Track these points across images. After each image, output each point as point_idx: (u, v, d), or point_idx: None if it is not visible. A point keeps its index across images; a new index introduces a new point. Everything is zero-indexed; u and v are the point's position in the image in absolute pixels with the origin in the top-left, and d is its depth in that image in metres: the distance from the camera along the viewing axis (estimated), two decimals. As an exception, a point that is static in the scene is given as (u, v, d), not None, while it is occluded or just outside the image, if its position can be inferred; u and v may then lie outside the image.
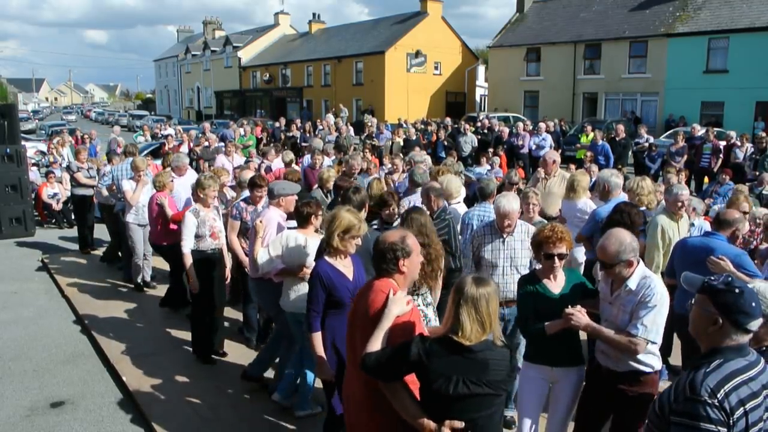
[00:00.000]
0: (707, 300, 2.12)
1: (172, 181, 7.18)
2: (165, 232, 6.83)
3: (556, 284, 3.47)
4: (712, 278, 2.17)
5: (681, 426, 1.99)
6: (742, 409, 1.96)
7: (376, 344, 2.56)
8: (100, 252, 9.64)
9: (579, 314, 3.19)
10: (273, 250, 4.29)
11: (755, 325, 2.09)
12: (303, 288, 4.15)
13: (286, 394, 4.65)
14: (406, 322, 2.67)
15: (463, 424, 2.41)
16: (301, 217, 4.37)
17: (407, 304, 2.68)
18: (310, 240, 4.28)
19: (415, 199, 5.62)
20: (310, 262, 4.12)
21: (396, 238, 2.79)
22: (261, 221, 4.71)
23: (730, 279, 2.14)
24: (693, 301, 2.21)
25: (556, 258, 3.37)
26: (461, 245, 4.91)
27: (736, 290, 2.08)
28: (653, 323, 3.10)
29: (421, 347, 2.43)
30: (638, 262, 3.23)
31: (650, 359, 3.23)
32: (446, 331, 2.47)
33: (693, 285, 2.21)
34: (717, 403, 1.94)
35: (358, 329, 2.79)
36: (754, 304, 2.08)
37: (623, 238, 3.17)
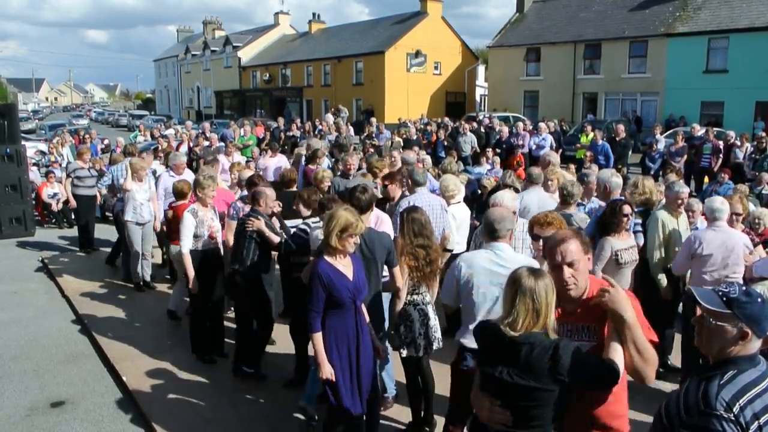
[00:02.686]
0: (732, 315, 1.99)
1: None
2: None
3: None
4: (727, 291, 2.04)
5: None
6: (756, 423, 1.88)
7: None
8: (100, 251, 9.67)
9: None
10: None
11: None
12: None
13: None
14: None
15: (508, 413, 2.43)
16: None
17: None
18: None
19: (416, 198, 5.61)
20: None
21: None
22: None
23: (744, 287, 2.05)
24: (710, 319, 2.04)
25: (541, 240, 3.59)
26: None
27: (759, 299, 2.00)
28: None
29: (480, 334, 2.59)
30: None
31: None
32: (499, 320, 2.45)
33: (713, 302, 2.03)
34: (732, 418, 1.86)
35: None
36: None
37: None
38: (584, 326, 2.57)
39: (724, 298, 2.01)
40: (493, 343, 2.46)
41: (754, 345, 2.01)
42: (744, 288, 2.05)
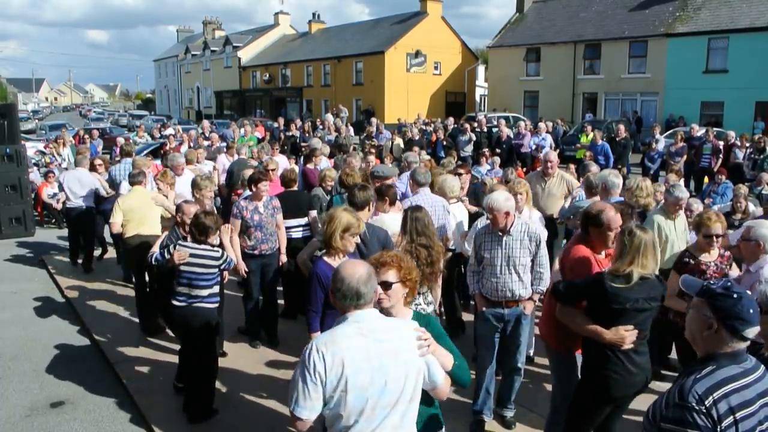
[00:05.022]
0: (704, 304, 2.08)
1: None
2: None
3: None
4: (712, 282, 2.13)
5: None
6: (732, 417, 1.93)
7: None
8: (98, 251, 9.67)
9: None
10: None
11: (752, 332, 2.04)
12: None
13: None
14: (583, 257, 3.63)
15: (632, 328, 3.24)
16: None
17: None
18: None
19: (418, 199, 5.61)
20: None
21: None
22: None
23: (729, 284, 2.09)
24: (690, 305, 2.17)
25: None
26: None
27: (735, 295, 2.03)
28: None
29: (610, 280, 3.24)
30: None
31: None
32: (626, 268, 3.21)
33: (692, 288, 2.16)
34: (704, 410, 1.92)
35: None
36: (752, 311, 2.02)
37: None
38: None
39: (703, 287, 2.11)
40: (636, 283, 3.22)
41: (729, 342, 2.04)
42: (729, 284, 2.09)
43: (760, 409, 2.00)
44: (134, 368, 5.52)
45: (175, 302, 4.56)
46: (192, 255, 4.45)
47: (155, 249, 4.89)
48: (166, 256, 4.54)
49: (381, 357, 2.23)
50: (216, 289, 4.64)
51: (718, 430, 1.92)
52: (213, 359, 4.74)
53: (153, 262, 4.71)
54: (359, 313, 2.33)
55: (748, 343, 2.07)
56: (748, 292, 2.11)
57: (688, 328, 2.17)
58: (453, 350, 2.60)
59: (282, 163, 10.47)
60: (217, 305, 4.68)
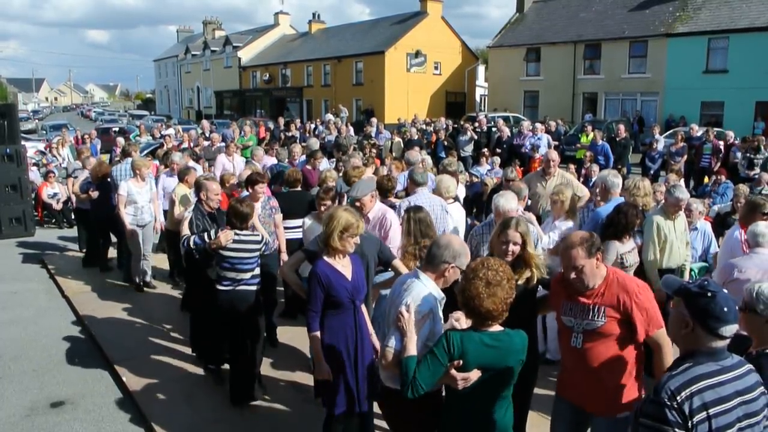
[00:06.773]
0: (681, 303, 2.13)
1: None
2: None
3: None
4: (690, 281, 2.18)
5: (644, 427, 2.03)
6: (704, 413, 1.97)
7: None
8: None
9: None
10: None
11: (728, 330, 2.05)
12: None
13: None
14: None
15: None
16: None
17: None
18: None
19: (416, 199, 5.61)
20: None
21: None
22: None
23: (705, 282, 2.12)
24: (672, 304, 2.21)
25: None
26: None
27: (709, 294, 2.06)
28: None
29: None
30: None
31: None
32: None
33: (671, 287, 2.19)
34: (676, 406, 1.97)
35: None
36: (726, 309, 2.03)
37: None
38: (594, 306, 2.99)
39: (681, 286, 2.14)
40: None
41: (705, 340, 2.06)
42: (705, 282, 2.12)
43: (738, 406, 2.03)
44: (134, 368, 5.51)
45: (220, 287, 4.66)
46: (235, 240, 4.60)
47: (185, 231, 4.96)
48: (206, 240, 4.66)
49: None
50: (257, 270, 4.79)
51: (690, 425, 1.96)
52: (259, 341, 4.85)
53: (192, 246, 4.76)
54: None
55: (728, 341, 2.08)
56: (725, 290, 2.12)
57: (669, 327, 2.22)
58: (429, 363, 2.69)
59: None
60: (258, 286, 4.82)
